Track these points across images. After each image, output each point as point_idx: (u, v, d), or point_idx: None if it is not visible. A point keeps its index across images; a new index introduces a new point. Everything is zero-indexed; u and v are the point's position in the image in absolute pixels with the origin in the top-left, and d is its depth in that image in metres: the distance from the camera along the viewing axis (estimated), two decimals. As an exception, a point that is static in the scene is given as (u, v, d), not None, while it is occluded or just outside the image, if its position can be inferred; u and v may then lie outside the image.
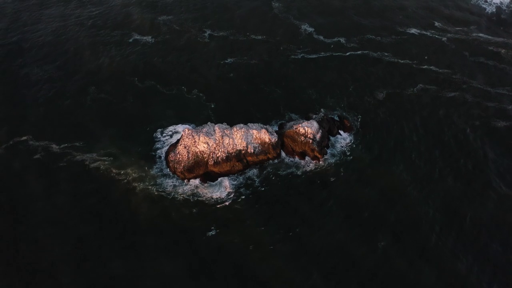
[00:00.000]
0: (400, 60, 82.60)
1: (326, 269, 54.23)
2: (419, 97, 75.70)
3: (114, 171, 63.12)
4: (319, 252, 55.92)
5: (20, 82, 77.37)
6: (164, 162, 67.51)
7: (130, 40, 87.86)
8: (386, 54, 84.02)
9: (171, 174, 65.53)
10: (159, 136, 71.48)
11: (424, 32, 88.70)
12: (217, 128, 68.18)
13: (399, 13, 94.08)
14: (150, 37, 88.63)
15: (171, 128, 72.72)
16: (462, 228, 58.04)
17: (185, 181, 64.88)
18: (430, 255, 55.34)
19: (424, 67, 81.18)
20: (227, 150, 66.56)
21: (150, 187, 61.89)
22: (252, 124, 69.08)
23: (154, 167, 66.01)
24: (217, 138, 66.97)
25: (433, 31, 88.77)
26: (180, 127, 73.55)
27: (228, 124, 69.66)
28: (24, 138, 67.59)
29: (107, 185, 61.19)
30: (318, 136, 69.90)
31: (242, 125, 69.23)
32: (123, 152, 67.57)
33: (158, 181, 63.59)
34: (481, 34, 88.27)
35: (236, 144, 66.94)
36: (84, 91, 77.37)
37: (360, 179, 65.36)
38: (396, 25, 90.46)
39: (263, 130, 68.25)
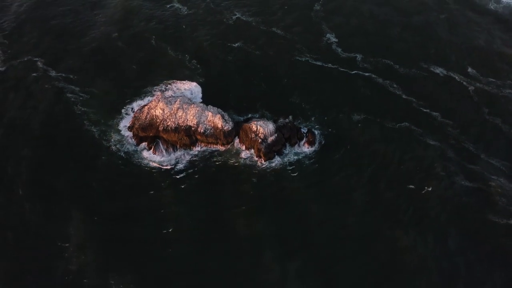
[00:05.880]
0: (403, 95, 75.60)
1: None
2: (398, 133, 70.07)
3: (79, 106, 72.19)
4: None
5: (56, 16, 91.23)
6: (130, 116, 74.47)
7: (168, 6, 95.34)
8: (394, 85, 77.42)
9: (127, 127, 72.10)
10: (145, 93, 78.22)
11: (451, 75, 78.69)
12: (178, 100, 72.18)
13: (433, 47, 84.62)
14: (186, 8, 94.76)
15: (161, 87, 78.66)
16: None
17: (133, 138, 70.73)
18: None
19: (425, 110, 73.20)
20: (178, 122, 70.25)
21: (95, 130, 70.05)
22: (212, 106, 71.53)
23: (118, 116, 73.43)
24: (173, 108, 71.05)
25: (461, 76, 78.26)
26: (173, 87, 78.95)
27: (193, 101, 73.77)
28: (36, 59, 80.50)
29: (65, 114, 71.66)
30: (270, 138, 69.43)
31: (201, 104, 72.25)
32: (103, 96, 76.38)
33: (110, 129, 71.03)
34: (514, 92, 75.79)
35: (187, 120, 70.24)
36: (105, 36, 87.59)
37: (285, 195, 64.38)
38: (423, 59, 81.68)
39: (218, 116, 70.19)
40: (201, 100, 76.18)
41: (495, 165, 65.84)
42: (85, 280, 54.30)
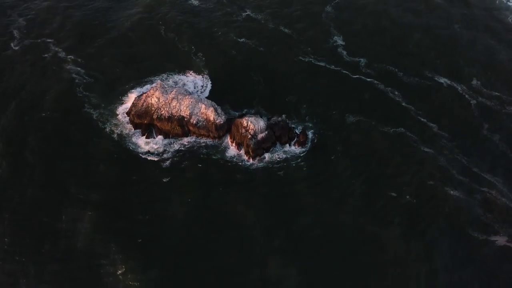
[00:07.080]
0: (403, 102, 74.23)
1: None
2: (392, 140, 69.10)
3: (80, 89, 75.23)
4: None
5: (78, 4, 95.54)
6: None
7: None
8: (396, 92, 76.09)
9: (125, 113, 74.37)
10: (148, 82, 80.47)
11: (455, 86, 76.51)
12: (174, 90, 73.80)
13: (444, 57, 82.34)
14: (198, 2, 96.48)
15: (162, 77, 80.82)
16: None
17: (130, 124, 72.92)
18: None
19: (422, 119, 71.65)
20: (171, 112, 71.89)
21: (93, 112, 72.74)
22: (206, 99, 72.82)
23: (119, 102, 75.97)
24: (168, 98, 72.72)
25: (465, 88, 75.92)
26: (175, 78, 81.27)
27: (192, 92, 75.33)
28: (50, 40, 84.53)
29: (67, 95, 74.84)
30: (260, 135, 69.89)
31: (196, 96, 73.59)
32: (107, 81, 79.11)
33: (109, 113, 73.56)
34: (517, 109, 72.85)
35: (180, 110, 71.74)
36: (119, 25, 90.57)
37: (270, 193, 64.68)
38: (429, 68, 79.79)
39: (211, 108, 71.30)
40: (208, 94, 77.85)
41: (488, 180, 63.82)
42: (74, 262, 56.69)
